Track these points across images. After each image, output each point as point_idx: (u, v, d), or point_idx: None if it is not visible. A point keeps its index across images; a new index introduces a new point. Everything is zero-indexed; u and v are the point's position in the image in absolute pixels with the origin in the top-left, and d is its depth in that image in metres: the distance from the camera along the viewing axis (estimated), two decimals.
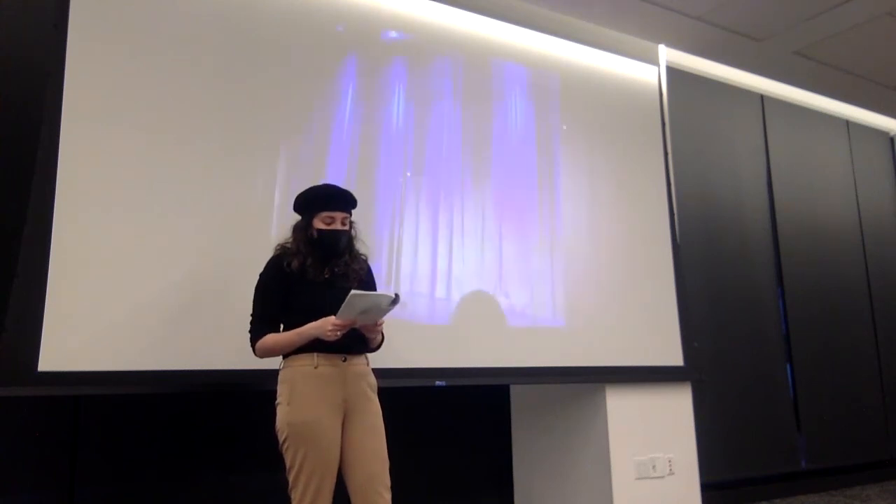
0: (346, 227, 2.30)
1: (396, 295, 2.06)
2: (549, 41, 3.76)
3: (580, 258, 3.58)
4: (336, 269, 2.27)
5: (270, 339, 2.17)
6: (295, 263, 2.21)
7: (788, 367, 4.68)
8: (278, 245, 2.31)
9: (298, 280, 2.21)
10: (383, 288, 2.82)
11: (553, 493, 3.60)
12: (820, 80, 4.94)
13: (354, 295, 2.00)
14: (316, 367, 2.14)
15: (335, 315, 2.06)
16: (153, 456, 2.87)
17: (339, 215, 2.26)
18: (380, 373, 2.34)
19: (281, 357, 2.22)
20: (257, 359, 2.23)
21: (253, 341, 2.20)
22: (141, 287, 2.49)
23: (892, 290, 5.48)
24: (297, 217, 2.33)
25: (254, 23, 2.91)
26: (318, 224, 2.25)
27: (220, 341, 2.52)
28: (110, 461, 2.79)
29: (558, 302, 3.45)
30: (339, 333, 2.08)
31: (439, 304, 3.12)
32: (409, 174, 3.18)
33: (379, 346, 2.34)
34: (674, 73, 4.42)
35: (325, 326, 2.08)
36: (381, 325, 2.21)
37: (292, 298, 2.20)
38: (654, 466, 3.48)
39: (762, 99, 5.00)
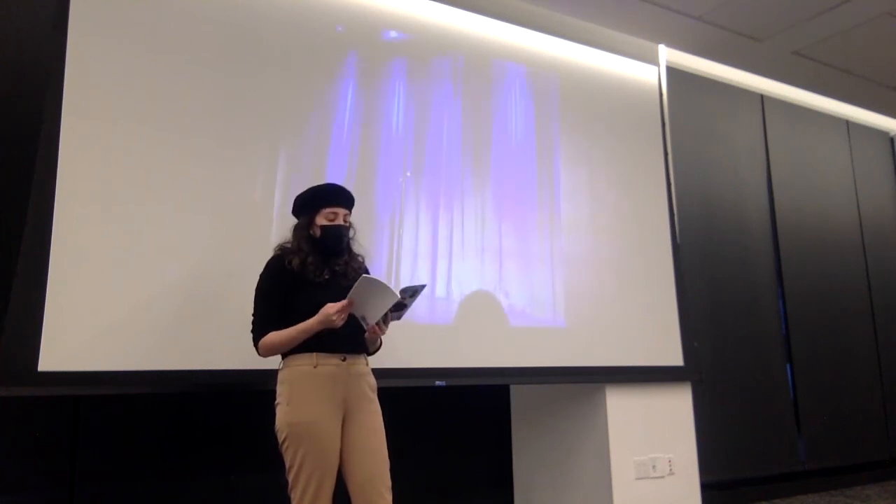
0: (348, 225, 2.31)
1: (402, 302, 2.08)
2: (549, 41, 3.76)
3: (580, 258, 3.58)
4: (336, 268, 2.27)
5: (273, 336, 2.16)
6: (296, 262, 2.21)
7: (788, 367, 4.68)
8: (278, 245, 2.31)
9: (299, 280, 2.21)
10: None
11: (553, 493, 3.59)
12: (820, 80, 4.94)
13: (366, 279, 2.04)
14: (315, 367, 2.14)
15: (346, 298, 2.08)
16: (153, 456, 2.87)
17: (341, 211, 2.28)
18: (380, 373, 2.34)
19: (280, 357, 2.22)
20: (257, 359, 2.23)
21: (256, 341, 2.20)
22: (141, 287, 2.49)
23: (892, 290, 5.48)
24: (296, 220, 2.33)
25: (254, 23, 2.91)
26: (321, 221, 2.26)
27: (221, 341, 2.52)
28: (110, 461, 2.79)
29: (558, 302, 3.45)
30: (344, 317, 2.09)
31: (439, 304, 3.12)
32: (409, 174, 3.18)
33: (377, 350, 2.34)
34: (674, 73, 4.42)
35: (329, 313, 2.08)
36: (383, 330, 2.21)
37: (293, 298, 2.20)
38: (654, 466, 3.48)
39: (762, 99, 5.00)
